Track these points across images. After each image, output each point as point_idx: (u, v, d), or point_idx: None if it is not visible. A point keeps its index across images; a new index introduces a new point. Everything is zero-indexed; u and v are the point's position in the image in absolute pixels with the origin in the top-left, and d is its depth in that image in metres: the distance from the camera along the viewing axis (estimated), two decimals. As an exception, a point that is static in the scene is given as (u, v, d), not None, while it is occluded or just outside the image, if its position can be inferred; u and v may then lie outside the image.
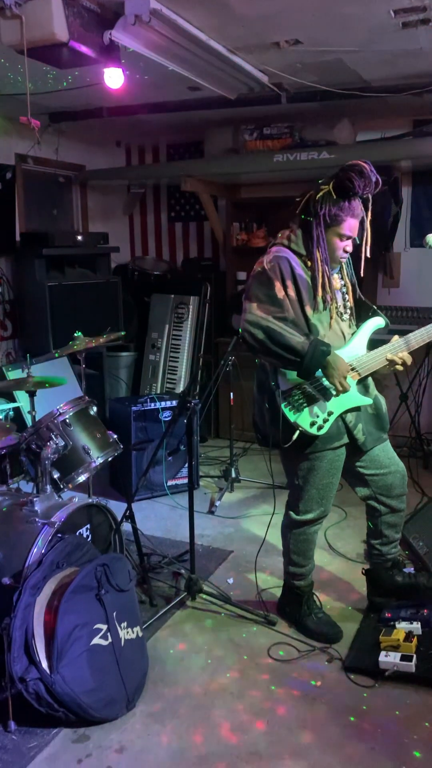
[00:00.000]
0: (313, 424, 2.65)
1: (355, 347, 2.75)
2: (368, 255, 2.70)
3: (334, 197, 2.58)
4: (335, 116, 4.95)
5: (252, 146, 5.21)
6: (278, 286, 2.60)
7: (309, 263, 2.66)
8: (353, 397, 2.74)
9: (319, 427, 2.66)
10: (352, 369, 2.70)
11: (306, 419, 2.65)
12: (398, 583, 3.01)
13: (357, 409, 2.77)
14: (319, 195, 2.60)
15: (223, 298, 5.84)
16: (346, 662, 2.72)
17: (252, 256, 5.69)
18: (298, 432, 2.65)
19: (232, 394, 4.77)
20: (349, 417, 2.76)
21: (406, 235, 5.38)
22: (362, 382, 2.78)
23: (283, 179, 5.42)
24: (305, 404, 2.65)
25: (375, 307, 2.84)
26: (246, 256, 5.84)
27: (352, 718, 2.42)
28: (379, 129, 5.20)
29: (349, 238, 2.65)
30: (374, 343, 2.79)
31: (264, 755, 2.26)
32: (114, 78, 3.32)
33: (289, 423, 2.65)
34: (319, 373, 2.63)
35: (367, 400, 2.78)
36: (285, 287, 2.60)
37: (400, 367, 2.73)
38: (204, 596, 3.19)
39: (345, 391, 2.64)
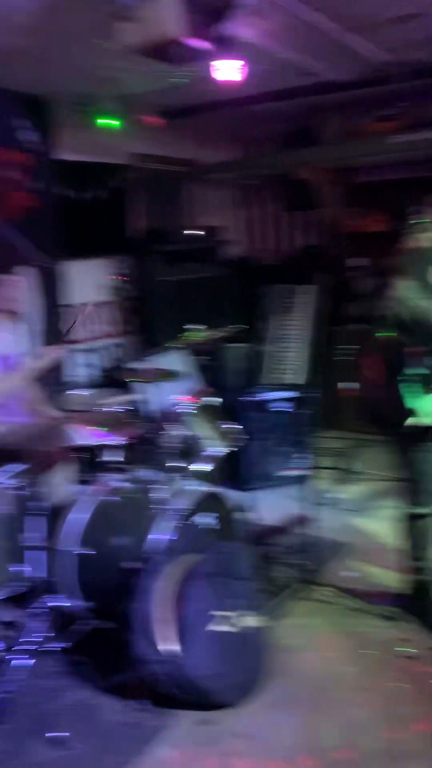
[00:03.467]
0: (429, 414, 2.55)
1: None
2: None
3: None
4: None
5: (367, 129, 5.05)
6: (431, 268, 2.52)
7: None
8: None
9: None
10: None
11: (426, 407, 2.55)
12: None
13: None
14: None
15: (338, 286, 5.72)
16: None
17: (369, 241, 5.58)
18: (415, 419, 2.56)
19: (348, 384, 4.67)
20: None
21: None
22: None
23: (400, 161, 5.22)
24: (427, 392, 2.55)
25: None
26: (362, 241, 5.69)
27: None
28: None
29: None
30: None
31: (391, 754, 2.20)
32: (227, 70, 3.33)
33: (407, 408, 2.56)
34: None
35: None
36: None
37: None
38: (322, 588, 3.16)
39: None
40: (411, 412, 2.56)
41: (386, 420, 2.71)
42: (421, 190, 4.67)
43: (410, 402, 2.56)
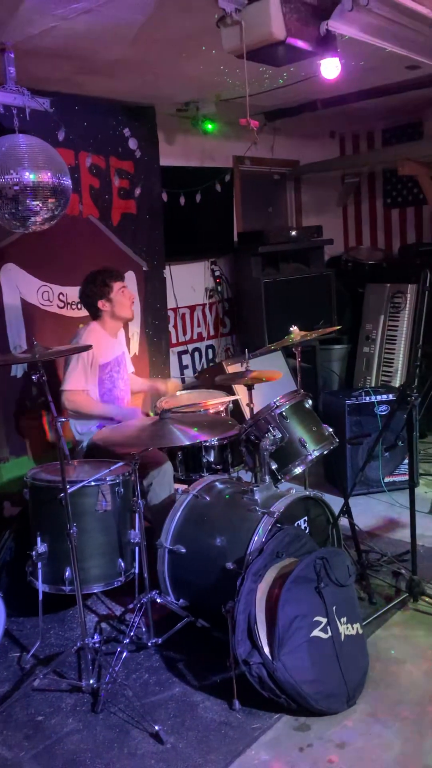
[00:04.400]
0: None
1: None
2: None
3: None
4: None
5: None
6: None
7: None
8: None
9: None
10: None
11: None
12: None
13: None
14: None
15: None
16: None
17: None
18: None
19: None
20: None
21: None
22: None
23: None
24: None
25: None
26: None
27: None
28: None
29: None
30: None
31: None
32: (330, 68, 3.27)
33: None
34: None
35: None
36: None
37: None
38: (427, 599, 3.05)
39: None
40: None
41: None
42: None
43: None
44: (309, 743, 2.31)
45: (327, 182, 6.41)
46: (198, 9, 2.87)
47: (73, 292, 4.02)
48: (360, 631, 2.63)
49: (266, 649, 2.40)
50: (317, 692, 2.38)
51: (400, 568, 3.31)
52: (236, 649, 2.43)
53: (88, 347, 3.16)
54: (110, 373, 3.58)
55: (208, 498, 3.05)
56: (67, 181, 3.09)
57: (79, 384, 3.41)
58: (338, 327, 4.59)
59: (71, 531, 2.63)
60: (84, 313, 3.80)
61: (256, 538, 2.75)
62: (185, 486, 3.26)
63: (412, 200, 6.04)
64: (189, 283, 5.33)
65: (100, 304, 3.57)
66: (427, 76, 4.30)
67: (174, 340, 5.24)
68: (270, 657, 2.38)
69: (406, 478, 4.17)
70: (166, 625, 2.92)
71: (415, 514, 3.07)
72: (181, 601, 2.96)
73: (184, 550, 2.92)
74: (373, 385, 5.64)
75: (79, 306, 3.87)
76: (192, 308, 5.39)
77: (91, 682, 2.62)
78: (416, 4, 3.10)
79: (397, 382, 5.51)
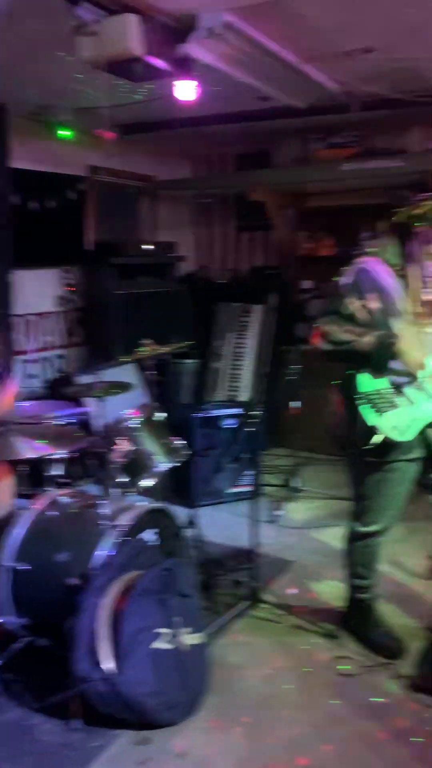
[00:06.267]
0: (394, 429, 2.59)
1: None
2: None
3: None
4: (406, 124, 4.87)
5: (320, 155, 5.20)
6: (352, 301, 2.60)
7: (402, 274, 2.61)
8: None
9: (401, 433, 2.60)
10: None
11: (387, 423, 2.59)
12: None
13: None
14: (418, 211, 2.57)
15: (288, 306, 5.82)
16: (411, 680, 2.65)
17: (319, 264, 5.73)
18: (378, 436, 2.58)
19: (296, 403, 4.74)
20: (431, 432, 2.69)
21: None
22: None
23: (351, 187, 5.38)
24: (387, 407, 2.59)
25: None
26: (312, 264, 5.82)
27: (420, 739, 2.35)
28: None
29: None
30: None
31: (326, 771, 2.23)
32: (185, 90, 3.37)
33: (369, 427, 2.58)
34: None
35: None
36: (363, 301, 2.59)
37: None
38: (265, 605, 3.18)
39: (422, 368, 2.59)
40: (373, 431, 2.59)
41: (345, 439, 2.75)
42: (370, 216, 4.85)
43: (373, 419, 2.59)
44: (149, 756, 2.30)
45: (181, 200, 6.54)
46: (56, 14, 2.83)
47: None
48: (202, 641, 2.68)
49: (109, 664, 2.37)
50: (159, 704, 2.39)
51: (242, 577, 3.42)
52: (77, 666, 2.38)
53: None
54: None
55: (52, 513, 2.96)
56: None
57: None
58: (190, 342, 4.69)
59: None
60: None
61: (102, 552, 2.71)
62: (30, 501, 3.14)
63: (260, 225, 6.31)
64: (38, 290, 5.17)
65: None
66: (276, 108, 4.55)
67: (20, 348, 5.04)
68: (112, 672, 2.35)
69: (250, 488, 4.34)
70: (6, 647, 2.78)
71: (256, 524, 3.20)
72: (21, 620, 2.83)
73: (25, 568, 2.81)
74: (221, 399, 5.80)
75: None
76: (41, 316, 5.23)
77: None
78: (268, 40, 3.29)
79: (243, 397, 5.72)
